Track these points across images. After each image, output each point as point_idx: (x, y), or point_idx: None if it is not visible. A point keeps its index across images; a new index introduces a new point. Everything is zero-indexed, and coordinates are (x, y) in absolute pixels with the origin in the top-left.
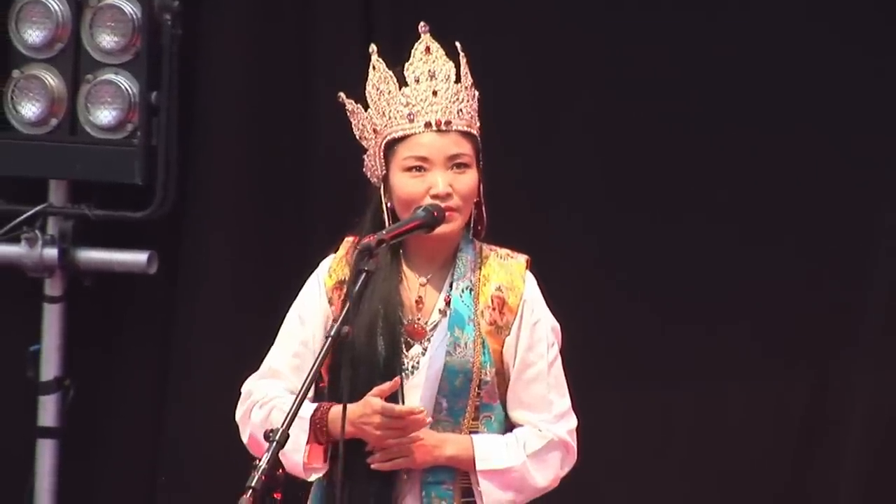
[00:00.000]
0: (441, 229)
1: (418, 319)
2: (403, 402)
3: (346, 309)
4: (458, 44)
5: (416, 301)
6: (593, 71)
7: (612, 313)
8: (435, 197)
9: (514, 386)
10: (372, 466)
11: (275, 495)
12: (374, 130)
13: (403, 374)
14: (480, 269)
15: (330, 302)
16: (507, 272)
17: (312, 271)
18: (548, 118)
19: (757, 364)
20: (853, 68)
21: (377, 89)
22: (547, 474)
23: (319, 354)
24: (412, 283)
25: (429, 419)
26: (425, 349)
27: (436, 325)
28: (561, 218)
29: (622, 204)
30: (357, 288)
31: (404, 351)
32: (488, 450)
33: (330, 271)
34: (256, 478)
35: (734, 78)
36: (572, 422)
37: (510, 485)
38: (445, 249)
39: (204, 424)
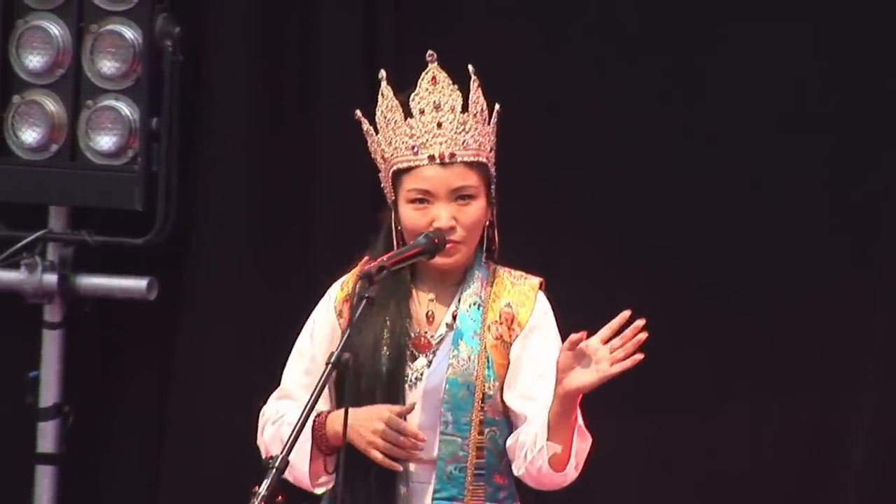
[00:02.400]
0: (444, 261)
1: (425, 333)
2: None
3: (345, 335)
4: (470, 67)
5: (427, 315)
6: (601, 89)
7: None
8: (437, 230)
9: (521, 378)
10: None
11: None
12: (383, 157)
13: (406, 384)
14: (492, 286)
15: (339, 315)
16: (519, 291)
17: (314, 297)
18: (555, 141)
19: (764, 378)
20: (854, 72)
21: (385, 117)
22: (579, 468)
23: (319, 381)
24: (422, 298)
25: (419, 453)
26: (430, 361)
27: (442, 339)
28: (565, 242)
29: (624, 225)
30: (357, 314)
31: (409, 363)
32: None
33: (342, 285)
34: None
35: (742, 92)
36: None
37: (579, 453)
38: (455, 271)
39: (204, 450)
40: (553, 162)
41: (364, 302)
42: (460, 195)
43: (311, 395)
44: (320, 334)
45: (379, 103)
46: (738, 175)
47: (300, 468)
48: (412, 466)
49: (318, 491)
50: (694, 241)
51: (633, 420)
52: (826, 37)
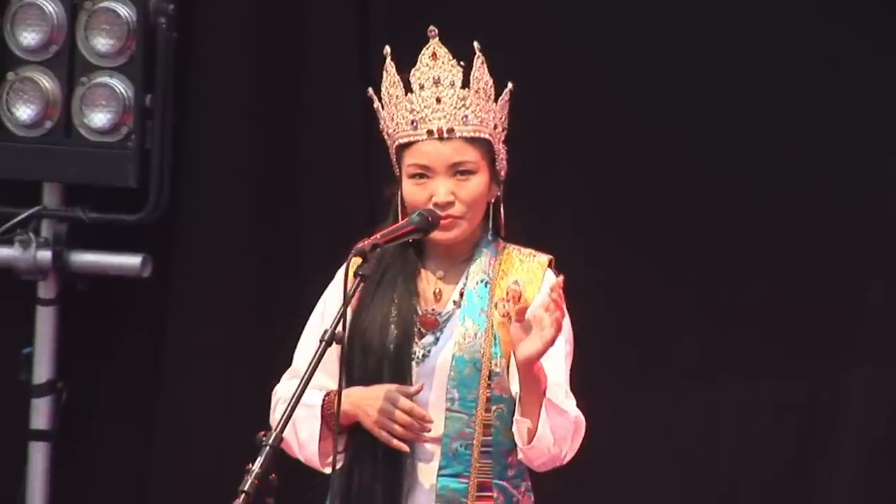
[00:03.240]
0: (443, 236)
1: (433, 310)
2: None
3: (340, 313)
4: (475, 44)
5: (434, 292)
6: (608, 70)
7: (608, 319)
8: (436, 205)
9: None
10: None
11: (268, 500)
12: (388, 133)
13: (413, 361)
14: (500, 263)
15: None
16: (528, 268)
17: (305, 274)
18: (562, 119)
19: (755, 365)
20: (858, 68)
21: (388, 93)
22: (574, 445)
23: (313, 358)
24: (430, 276)
25: (433, 433)
26: (437, 339)
27: (449, 316)
28: (560, 225)
29: (616, 207)
30: (351, 291)
31: (417, 340)
32: (553, 384)
33: (353, 262)
34: (249, 482)
35: (739, 90)
36: (582, 418)
37: (556, 428)
38: (462, 248)
39: (197, 428)
40: (557, 133)
41: (358, 279)
42: (459, 170)
43: (305, 372)
44: (331, 314)
45: (383, 79)
46: (733, 170)
47: (310, 448)
48: (421, 445)
49: (328, 470)
50: (687, 232)
51: (626, 407)
52: (828, 38)
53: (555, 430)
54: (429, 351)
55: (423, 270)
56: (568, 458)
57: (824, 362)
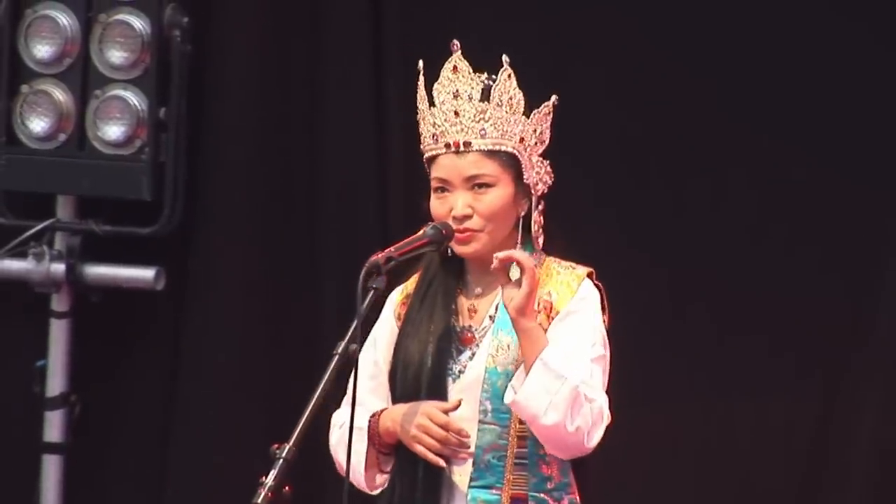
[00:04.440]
0: (464, 250)
1: (469, 327)
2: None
3: (353, 327)
4: (504, 57)
5: (469, 309)
6: (623, 81)
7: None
8: (454, 219)
9: None
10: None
11: None
12: (420, 147)
13: (450, 378)
14: (537, 276)
15: (398, 318)
16: (563, 280)
17: (321, 287)
18: (581, 133)
19: (766, 380)
20: (873, 75)
21: (419, 108)
22: (577, 422)
23: (327, 372)
24: (469, 292)
25: (467, 442)
26: (474, 354)
27: (486, 331)
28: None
29: (625, 219)
30: (364, 307)
31: (455, 356)
32: (559, 353)
33: (404, 286)
34: (263, 494)
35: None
36: (606, 410)
37: (552, 393)
38: (489, 262)
39: (211, 440)
40: (575, 148)
41: (371, 293)
42: (476, 183)
43: (318, 389)
44: (382, 340)
45: (418, 93)
46: (741, 183)
47: (359, 470)
48: (454, 457)
49: (375, 493)
50: (697, 241)
51: (637, 417)
52: (836, 41)
53: (549, 393)
54: (465, 367)
55: (463, 287)
56: (585, 441)
57: (837, 373)
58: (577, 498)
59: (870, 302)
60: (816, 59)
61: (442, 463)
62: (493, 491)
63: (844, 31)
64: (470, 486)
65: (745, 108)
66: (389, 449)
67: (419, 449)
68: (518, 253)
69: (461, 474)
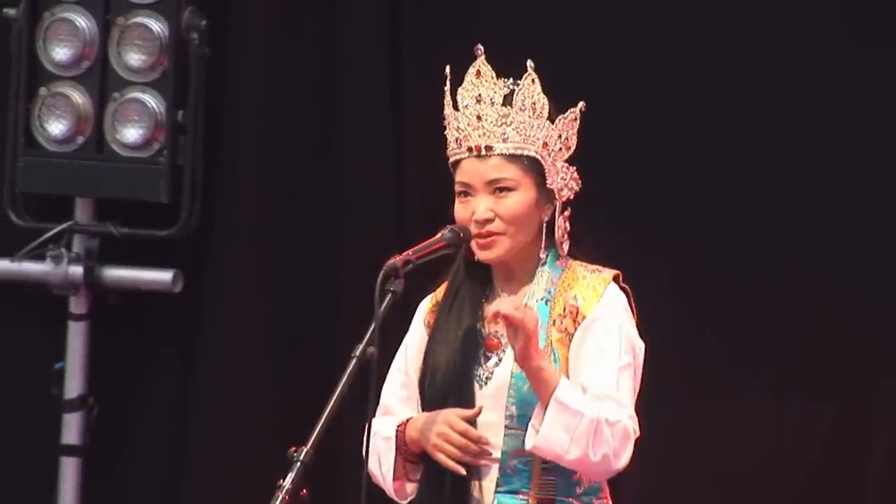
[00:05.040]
0: (486, 255)
1: (496, 332)
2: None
3: (371, 330)
4: (529, 63)
5: (495, 314)
6: (637, 76)
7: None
8: (476, 223)
9: (579, 374)
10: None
11: None
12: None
13: (477, 384)
14: (563, 281)
15: (427, 326)
16: (589, 284)
17: (338, 290)
18: (601, 142)
19: (781, 383)
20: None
21: (445, 113)
22: (601, 450)
23: (344, 376)
24: (496, 299)
25: (493, 452)
26: (500, 360)
27: None
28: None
29: (639, 218)
30: (382, 309)
31: (483, 363)
32: (572, 389)
33: (434, 295)
34: (280, 497)
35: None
36: (636, 427)
37: (572, 430)
38: (523, 269)
39: (228, 443)
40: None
41: (389, 296)
42: (497, 187)
43: (336, 392)
44: (412, 348)
45: (445, 99)
46: (760, 178)
47: (388, 479)
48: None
49: (404, 502)
50: (712, 239)
51: (649, 415)
52: (857, 36)
53: (568, 430)
54: (492, 373)
55: (490, 293)
56: (613, 464)
57: (856, 374)
58: (610, 502)
59: (885, 301)
60: (831, 59)
61: (462, 471)
62: (520, 496)
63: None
64: (496, 492)
65: (771, 106)
66: (417, 458)
67: (440, 457)
68: (505, 307)
69: (488, 480)
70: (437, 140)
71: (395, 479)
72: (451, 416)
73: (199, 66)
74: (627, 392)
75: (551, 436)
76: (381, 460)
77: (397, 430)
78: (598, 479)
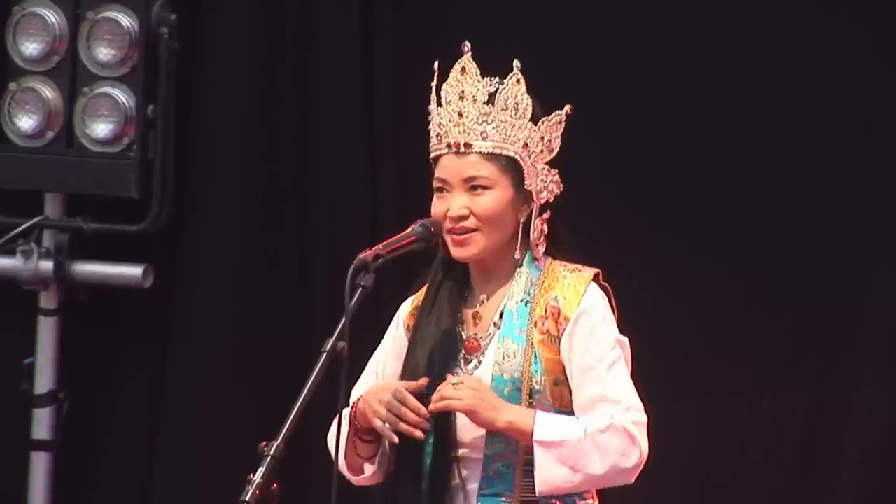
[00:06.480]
0: (460, 253)
1: (475, 335)
2: (456, 424)
3: (342, 324)
4: (516, 62)
5: (474, 317)
6: (623, 80)
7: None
8: (450, 219)
9: (575, 386)
10: (429, 407)
11: None
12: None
13: None
14: (543, 282)
15: (407, 329)
16: (569, 284)
17: (310, 285)
18: (588, 141)
19: (757, 376)
20: (872, 68)
21: (429, 108)
22: (605, 460)
23: (314, 371)
24: (474, 301)
25: (476, 455)
26: (480, 362)
27: (491, 338)
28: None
29: (621, 215)
30: (352, 304)
31: (462, 366)
32: (548, 422)
33: (415, 297)
34: (250, 492)
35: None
36: (639, 416)
37: (565, 460)
38: (500, 270)
39: (199, 438)
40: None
41: (360, 290)
42: (473, 185)
43: (306, 387)
44: (389, 351)
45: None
46: (739, 178)
47: (342, 458)
48: (462, 465)
49: (360, 483)
50: (690, 238)
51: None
52: (842, 40)
53: (563, 461)
54: (471, 375)
55: (468, 296)
56: (627, 462)
57: (831, 373)
58: (596, 500)
59: (861, 300)
60: (828, 63)
61: (395, 439)
62: (503, 498)
63: (842, 30)
64: (480, 495)
65: (754, 105)
66: (368, 435)
67: (377, 423)
68: (448, 392)
69: (472, 483)
70: (411, 135)
71: (346, 453)
72: (395, 385)
73: (170, 61)
74: (621, 387)
75: (550, 475)
76: (339, 437)
77: (352, 408)
78: (630, 481)
